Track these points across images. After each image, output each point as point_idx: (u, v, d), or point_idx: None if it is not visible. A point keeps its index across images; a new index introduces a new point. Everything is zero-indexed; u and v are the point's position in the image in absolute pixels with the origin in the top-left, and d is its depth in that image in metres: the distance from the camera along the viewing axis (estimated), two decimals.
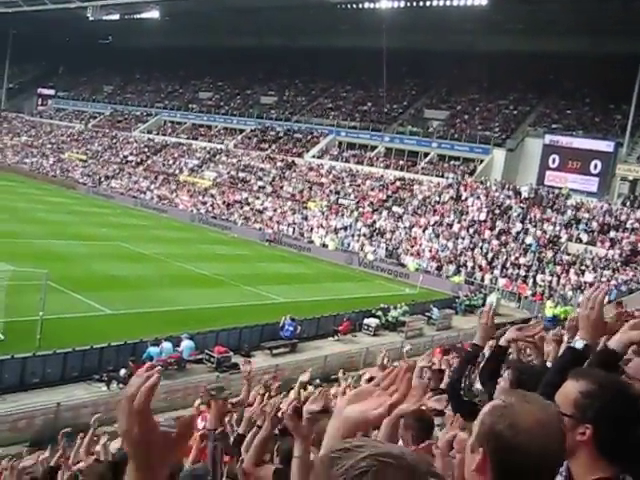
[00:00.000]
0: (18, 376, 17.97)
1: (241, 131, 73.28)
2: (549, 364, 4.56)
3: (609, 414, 2.07)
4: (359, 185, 56.83)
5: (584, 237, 43.08)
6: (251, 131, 72.03)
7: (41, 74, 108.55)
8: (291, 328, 25.13)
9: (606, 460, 2.07)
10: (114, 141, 79.76)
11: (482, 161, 55.27)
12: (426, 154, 58.90)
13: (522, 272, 41.26)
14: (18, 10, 77.83)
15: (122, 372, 19.03)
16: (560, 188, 48.88)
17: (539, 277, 40.28)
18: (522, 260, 42.24)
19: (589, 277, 38.82)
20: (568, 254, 41.89)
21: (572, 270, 40.03)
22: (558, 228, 44.59)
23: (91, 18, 73.74)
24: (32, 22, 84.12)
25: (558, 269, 40.52)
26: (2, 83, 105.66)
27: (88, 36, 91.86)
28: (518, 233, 45.03)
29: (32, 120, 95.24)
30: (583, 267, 40.19)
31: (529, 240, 43.89)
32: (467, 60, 62.39)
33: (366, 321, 28.91)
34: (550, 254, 42.10)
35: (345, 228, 50.72)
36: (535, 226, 45.30)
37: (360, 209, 52.87)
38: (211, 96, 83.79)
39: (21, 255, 28.52)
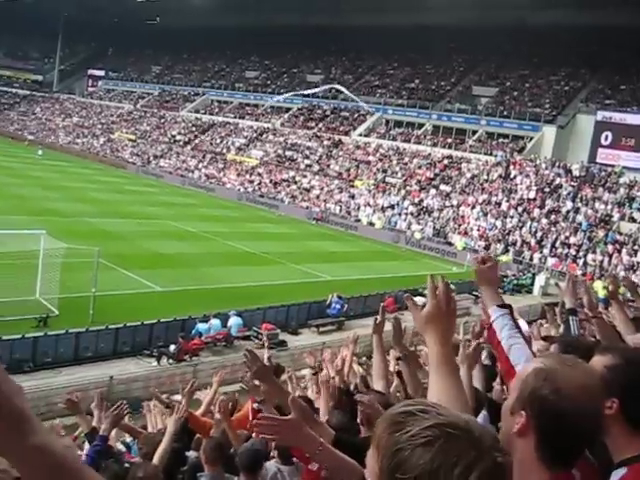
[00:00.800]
0: (72, 350, 18.43)
1: (288, 109, 73.28)
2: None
3: (635, 388, 2.06)
4: (406, 163, 56.42)
5: (637, 216, 42.11)
6: (298, 109, 71.97)
7: (91, 56, 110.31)
8: (338, 306, 25.20)
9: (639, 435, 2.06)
10: (162, 121, 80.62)
11: (532, 138, 54.28)
12: (474, 132, 58.11)
13: (572, 252, 40.59)
14: None
15: (172, 348, 19.38)
16: (613, 166, 47.76)
17: (590, 257, 39.58)
18: (572, 239, 41.52)
19: None
20: (620, 233, 41.02)
21: (624, 250, 39.23)
22: (610, 207, 43.65)
23: None
24: (82, 4, 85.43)
25: (610, 249, 39.74)
26: (54, 65, 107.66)
27: (136, 17, 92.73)
28: (568, 212, 44.24)
29: (83, 101, 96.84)
30: (636, 247, 39.34)
31: (580, 219, 43.11)
32: (516, 35, 61.15)
33: (404, 298, 28.76)
34: (601, 233, 41.28)
35: (392, 206, 50.49)
36: (586, 205, 44.44)
37: (407, 187, 52.55)
38: (258, 75, 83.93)
39: (74, 233, 29.09)
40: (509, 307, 2.82)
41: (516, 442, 1.76)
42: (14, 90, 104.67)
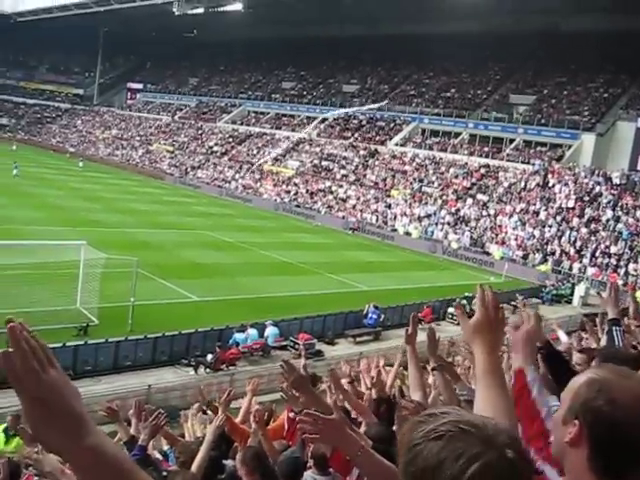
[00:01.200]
0: (112, 359, 18.66)
1: (324, 120, 73.52)
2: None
3: None
4: (443, 173, 56.14)
5: None
6: (334, 119, 72.16)
7: (130, 69, 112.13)
8: (375, 316, 25.12)
9: None
10: (200, 132, 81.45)
11: (570, 146, 53.62)
12: (511, 140, 57.62)
13: (613, 261, 39.94)
14: (109, 8, 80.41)
15: (209, 357, 19.49)
16: None
17: (631, 266, 38.89)
18: (613, 249, 40.85)
19: None
20: None
21: None
22: None
23: (177, 13, 75.33)
24: (121, 19, 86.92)
25: None
26: (94, 79, 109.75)
27: (173, 30, 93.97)
28: (608, 221, 43.55)
29: (122, 114, 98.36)
30: None
31: (620, 228, 42.41)
32: (553, 42, 60.59)
33: (450, 310, 28.60)
34: None
35: (429, 216, 50.26)
36: (627, 213, 43.70)
37: (444, 197, 52.27)
38: (294, 86, 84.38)
39: (113, 243, 29.49)
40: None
41: (568, 452, 1.73)
42: (56, 104, 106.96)
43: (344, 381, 7.52)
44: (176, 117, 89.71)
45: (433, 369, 4.77)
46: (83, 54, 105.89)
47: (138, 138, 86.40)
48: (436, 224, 49.00)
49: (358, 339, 24.52)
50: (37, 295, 20.52)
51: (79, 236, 26.63)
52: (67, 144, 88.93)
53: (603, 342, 6.69)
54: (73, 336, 19.31)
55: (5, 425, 11.32)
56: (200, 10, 77.94)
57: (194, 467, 5.40)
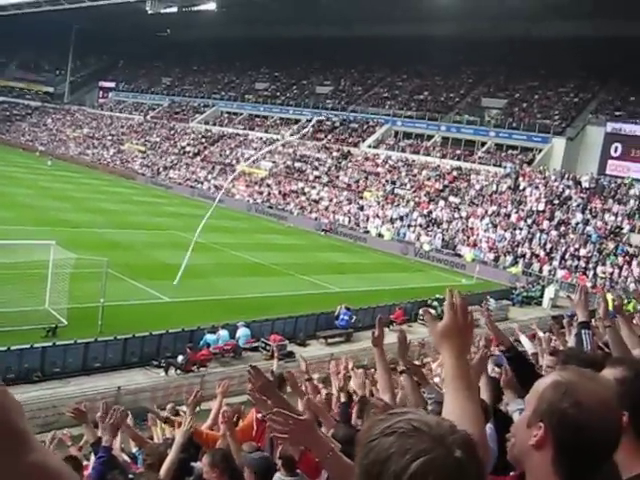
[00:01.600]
0: (81, 360, 18.48)
1: (297, 121, 73.47)
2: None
3: None
4: (415, 175, 56.42)
5: None
6: (307, 121, 72.13)
7: (102, 68, 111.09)
8: (346, 317, 25.17)
9: None
10: (172, 132, 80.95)
11: (541, 150, 54.22)
12: (483, 143, 58.10)
13: (582, 264, 40.44)
14: (81, 6, 79.54)
15: (180, 358, 19.39)
16: (622, 177, 47.64)
17: (600, 269, 39.42)
18: (582, 251, 41.37)
19: None
20: (630, 245, 40.84)
21: (635, 262, 39.05)
22: (620, 219, 43.48)
23: (150, 11, 74.77)
24: (93, 17, 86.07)
25: (620, 260, 39.57)
26: (65, 77, 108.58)
27: (146, 29, 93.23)
28: (578, 224, 44.10)
29: (93, 112, 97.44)
30: None
31: (590, 231, 42.96)
32: (525, 47, 61.17)
33: (422, 311, 28.72)
34: (611, 245, 41.12)
35: (401, 218, 50.48)
36: (596, 217, 44.30)
37: (416, 199, 52.53)
38: (267, 87, 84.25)
39: (83, 243, 29.21)
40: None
41: (532, 455, 1.73)
42: (26, 102, 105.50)
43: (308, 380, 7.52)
44: (148, 117, 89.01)
45: (401, 372, 4.77)
46: (54, 52, 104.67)
47: (110, 137, 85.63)
48: (408, 226, 49.23)
49: (329, 340, 24.55)
50: (6, 295, 20.25)
51: (48, 236, 26.31)
52: (37, 142, 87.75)
53: (571, 344, 6.78)
54: (42, 337, 19.11)
55: None
56: (173, 9, 77.38)
57: (163, 469, 5.35)
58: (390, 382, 4.75)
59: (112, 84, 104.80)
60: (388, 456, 1.29)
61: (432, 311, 2.75)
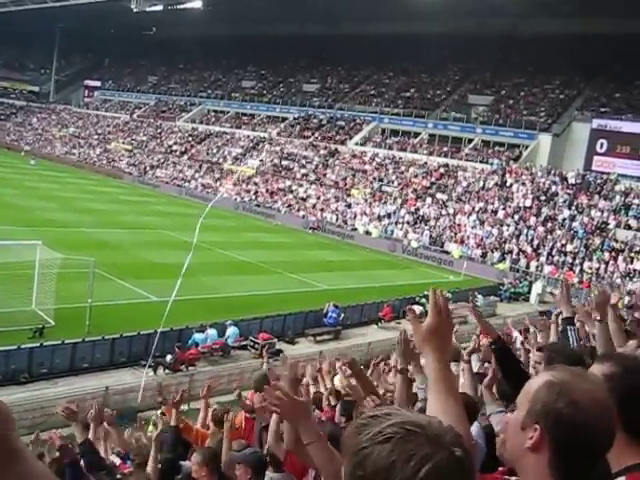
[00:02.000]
0: (68, 361, 18.41)
1: (284, 119, 73.40)
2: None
3: (633, 396, 2.04)
4: (402, 172, 56.50)
5: (633, 223, 42.18)
6: (294, 119, 72.10)
7: (87, 66, 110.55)
8: (335, 315, 25.18)
9: (637, 444, 2.04)
10: (159, 131, 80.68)
11: (527, 147, 54.42)
12: (470, 140, 58.25)
13: (569, 259, 40.65)
14: (65, 4, 79.07)
15: (168, 358, 19.35)
16: (608, 173, 47.89)
17: (586, 264, 39.63)
18: (569, 247, 41.59)
19: (639, 265, 38.12)
20: (616, 241, 41.09)
21: (620, 257, 39.29)
22: (606, 214, 43.71)
23: (135, 10, 74.43)
24: (78, 15, 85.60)
25: (606, 256, 39.80)
26: (50, 76, 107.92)
27: (132, 28, 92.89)
28: (565, 220, 44.32)
29: (79, 112, 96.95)
30: (632, 254, 39.38)
31: (576, 227, 43.19)
32: (511, 44, 61.49)
33: (406, 309, 28.75)
34: (598, 241, 41.34)
35: (389, 215, 50.55)
36: (582, 212, 44.52)
37: (404, 196, 52.62)
38: (254, 85, 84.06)
39: (70, 243, 29.06)
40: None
41: (528, 458, 1.72)
42: (11, 101, 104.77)
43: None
44: (135, 115, 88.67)
45: (399, 371, 4.76)
46: (39, 50, 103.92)
47: (96, 136, 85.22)
48: (396, 223, 49.31)
49: (318, 338, 24.57)
50: None
51: (34, 236, 26.17)
52: (22, 142, 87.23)
53: (553, 339, 6.81)
54: (29, 338, 19.02)
55: None
56: (159, 7, 77.06)
57: (149, 468, 5.35)
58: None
59: (98, 83, 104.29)
60: (391, 464, 1.27)
61: (418, 308, 2.76)
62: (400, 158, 58.46)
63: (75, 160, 78.20)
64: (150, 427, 9.46)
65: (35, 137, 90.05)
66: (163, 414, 9.14)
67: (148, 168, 71.40)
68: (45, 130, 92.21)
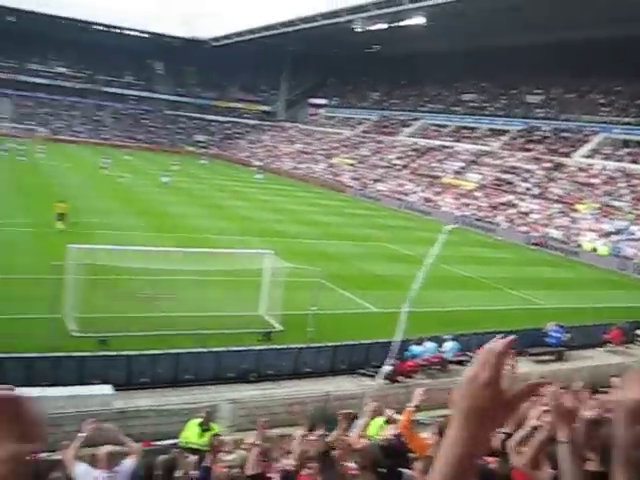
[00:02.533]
0: (293, 364, 19.37)
1: (506, 132, 71.75)
2: None
3: None
4: (635, 186, 52.83)
5: None
6: (517, 132, 70.25)
7: (313, 86, 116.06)
8: (558, 335, 24.13)
9: None
10: (380, 145, 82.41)
11: None
12: None
13: None
14: (294, 29, 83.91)
15: (387, 368, 19.65)
16: None
17: None
18: None
19: None
20: None
21: None
22: None
23: (358, 29, 76.89)
24: (306, 39, 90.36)
25: None
26: (279, 96, 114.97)
27: (355, 47, 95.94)
28: None
29: (305, 128, 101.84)
30: None
31: None
32: None
33: (639, 332, 26.85)
34: None
35: (618, 232, 47.45)
36: None
37: (636, 211, 49.14)
38: (475, 97, 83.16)
39: (295, 253, 30.48)
40: None
41: None
42: (245, 120, 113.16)
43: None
44: (357, 131, 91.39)
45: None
46: (269, 73, 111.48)
47: (320, 152, 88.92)
48: (626, 240, 46.15)
49: (539, 358, 23.67)
50: (226, 300, 21.84)
51: (262, 245, 27.94)
52: (254, 158, 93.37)
53: None
54: (258, 340, 20.27)
55: (200, 419, 12.14)
56: (383, 26, 78.97)
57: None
58: None
59: (322, 101, 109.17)
60: None
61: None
62: (632, 170, 54.71)
63: (301, 174, 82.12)
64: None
65: (265, 153, 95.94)
66: (387, 422, 9.41)
67: (369, 182, 73.14)
68: (274, 146, 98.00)
